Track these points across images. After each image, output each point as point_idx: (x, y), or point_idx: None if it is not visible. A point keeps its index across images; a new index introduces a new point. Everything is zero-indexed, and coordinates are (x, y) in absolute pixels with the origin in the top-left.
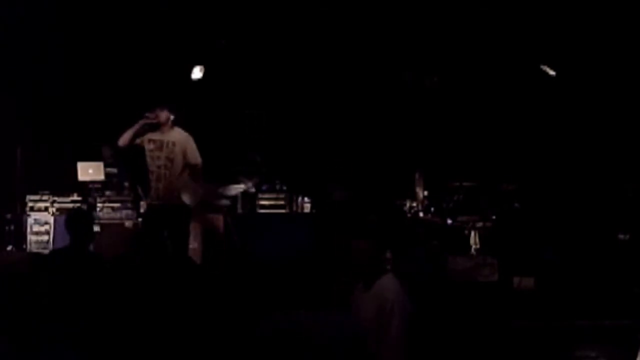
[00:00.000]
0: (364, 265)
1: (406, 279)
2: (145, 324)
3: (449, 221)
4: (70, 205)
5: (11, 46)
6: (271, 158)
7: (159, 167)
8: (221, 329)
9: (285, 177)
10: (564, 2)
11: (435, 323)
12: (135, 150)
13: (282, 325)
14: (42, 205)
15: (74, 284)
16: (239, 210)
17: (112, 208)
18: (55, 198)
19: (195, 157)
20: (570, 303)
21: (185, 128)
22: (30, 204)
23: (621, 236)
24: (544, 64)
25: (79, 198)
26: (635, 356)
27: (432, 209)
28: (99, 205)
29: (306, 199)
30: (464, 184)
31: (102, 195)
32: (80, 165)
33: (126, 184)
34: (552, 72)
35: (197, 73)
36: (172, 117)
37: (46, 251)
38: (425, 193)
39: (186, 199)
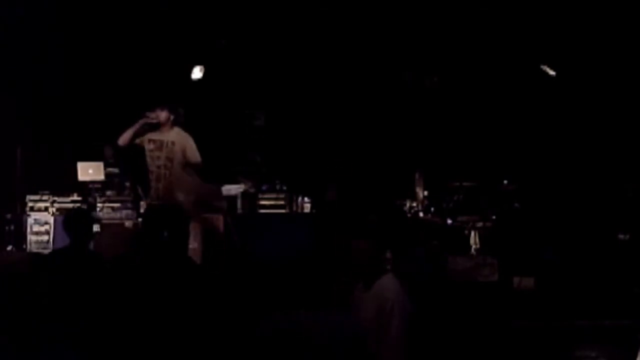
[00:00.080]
0: (364, 265)
1: (406, 279)
2: (145, 324)
3: (449, 221)
4: (70, 205)
5: (11, 46)
6: (271, 158)
7: (158, 167)
8: (221, 329)
9: (285, 177)
10: (564, 2)
11: (435, 323)
12: (136, 150)
13: (282, 325)
14: (42, 205)
15: (74, 284)
16: (239, 210)
17: (112, 208)
18: (55, 198)
19: (195, 155)
20: (570, 303)
21: (186, 128)
22: (30, 204)
23: (621, 236)
24: (544, 64)
25: (79, 198)
26: (635, 356)
27: (432, 209)
28: (99, 205)
29: (306, 199)
30: (464, 184)
31: (102, 195)
32: (80, 165)
33: (127, 183)
34: (552, 72)
35: (197, 73)
36: (172, 117)
37: (46, 251)
38: (425, 193)
39: (182, 197)
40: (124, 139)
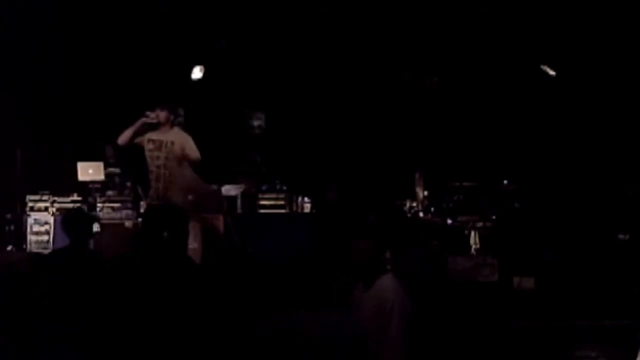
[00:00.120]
0: (364, 265)
1: (406, 279)
2: (145, 324)
3: (449, 221)
4: (70, 205)
5: (11, 46)
6: (271, 158)
7: (158, 167)
8: (221, 329)
9: (285, 177)
10: (564, 2)
11: (435, 323)
12: (135, 150)
13: (282, 325)
14: (42, 205)
15: (74, 284)
16: (239, 210)
17: (112, 208)
18: (55, 198)
19: (194, 152)
20: (570, 303)
21: (185, 128)
22: (30, 204)
23: (621, 236)
24: (544, 64)
25: (79, 198)
26: (635, 356)
27: (432, 209)
28: (99, 205)
29: (306, 199)
30: (464, 184)
31: (102, 195)
32: (80, 165)
33: (128, 183)
34: (552, 72)
35: (197, 73)
36: (172, 117)
37: (46, 251)
38: (425, 193)
39: (182, 197)
40: (123, 138)
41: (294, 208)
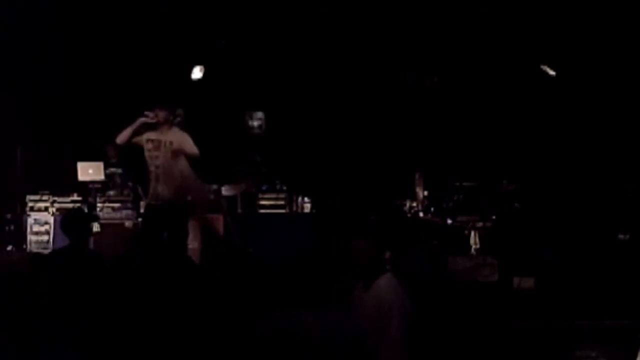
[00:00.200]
0: (364, 265)
1: (406, 279)
2: (145, 324)
3: (449, 221)
4: (70, 205)
5: (11, 46)
6: (271, 158)
7: (157, 167)
8: (221, 329)
9: (285, 177)
10: (564, 2)
11: (435, 323)
12: (135, 150)
13: (282, 325)
14: (42, 205)
15: (74, 284)
16: (239, 210)
17: (112, 208)
18: (55, 198)
19: (192, 147)
20: (570, 303)
21: (185, 128)
22: (30, 204)
23: (621, 236)
24: (544, 64)
25: (79, 198)
26: (635, 356)
27: (432, 209)
28: (99, 205)
29: (306, 199)
30: (464, 184)
31: (102, 195)
32: (80, 165)
33: (130, 183)
34: (552, 72)
35: (197, 73)
36: (171, 117)
37: (46, 251)
38: (425, 193)
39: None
40: (122, 137)
41: (294, 208)
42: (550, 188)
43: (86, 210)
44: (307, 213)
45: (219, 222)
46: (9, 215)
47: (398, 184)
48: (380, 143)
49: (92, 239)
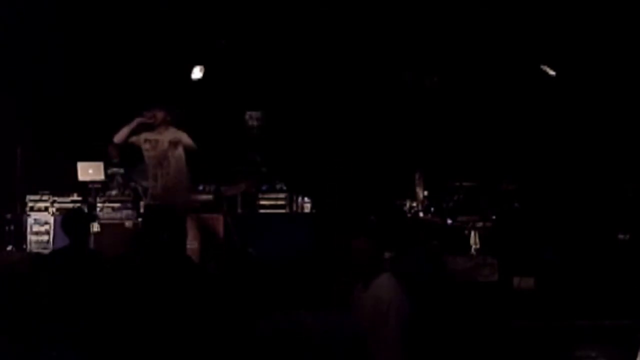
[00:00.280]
0: (364, 265)
1: (405, 278)
2: (146, 324)
3: (449, 221)
4: (70, 205)
5: (11, 46)
6: (271, 158)
7: (155, 167)
8: (221, 329)
9: (285, 177)
10: (564, 2)
11: (435, 323)
12: (133, 150)
13: (282, 325)
14: (42, 205)
15: (74, 284)
16: (239, 210)
17: (112, 208)
18: (55, 198)
19: (189, 142)
20: (570, 303)
21: (186, 128)
22: (30, 204)
23: (621, 236)
24: (544, 64)
25: (79, 198)
26: (635, 356)
27: (432, 209)
28: (99, 205)
29: (306, 199)
30: (464, 184)
31: (102, 195)
32: (80, 165)
33: (132, 183)
34: (552, 72)
35: (197, 73)
36: (169, 117)
37: (46, 251)
38: (425, 193)
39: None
40: (119, 136)
41: (294, 208)
42: (550, 188)
43: (86, 210)
44: (307, 213)
45: (219, 222)
46: (9, 215)
47: (398, 184)
48: (380, 143)
49: (92, 239)
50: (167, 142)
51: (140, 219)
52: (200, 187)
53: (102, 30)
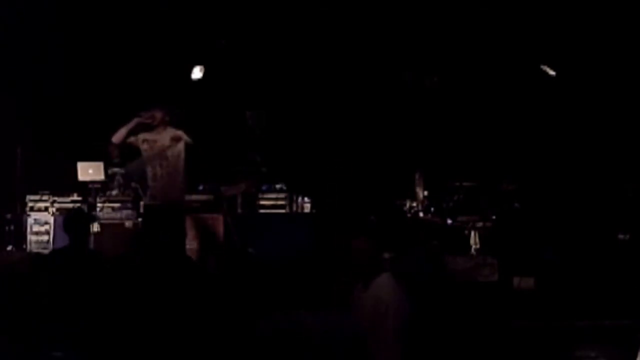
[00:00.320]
0: (364, 265)
1: (405, 278)
2: (146, 323)
3: (449, 221)
4: (70, 205)
5: (11, 46)
6: (271, 158)
7: (154, 167)
8: (221, 329)
9: (285, 177)
10: (564, 2)
11: (435, 323)
12: (131, 150)
13: (282, 325)
14: (42, 205)
15: (74, 284)
16: (239, 210)
17: (112, 208)
18: (55, 198)
19: (186, 138)
20: (570, 303)
21: (185, 128)
22: (30, 204)
23: (621, 236)
24: (544, 64)
25: (79, 198)
26: (635, 356)
27: (432, 209)
28: (99, 205)
29: (306, 199)
30: (464, 184)
31: (102, 195)
32: (80, 165)
33: (133, 183)
34: (552, 72)
35: (197, 73)
36: (167, 118)
37: (46, 251)
38: (425, 193)
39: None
40: (117, 137)
41: (294, 208)
42: (550, 188)
43: (86, 210)
44: (307, 213)
45: (219, 222)
46: (9, 215)
47: (398, 184)
48: (380, 143)
49: (92, 239)
50: (165, 142)
51: (140, 219)
52: (200, 187)
53: (102, 30)
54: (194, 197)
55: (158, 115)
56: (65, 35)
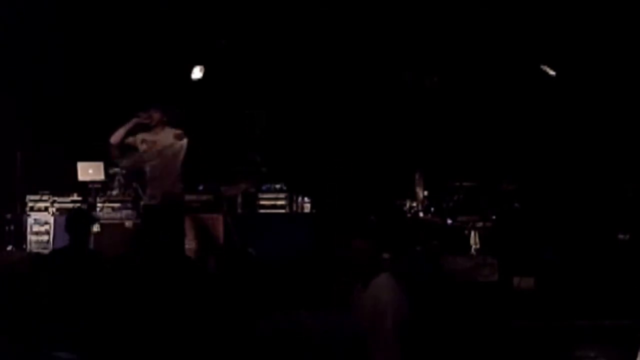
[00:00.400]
0: (364, 265)
1: (404, 278)
2: (145, 323)
3: (449, 221)
4: (70, 205)
5: (11, 46)
6: (271, 158)
7: (153, 167)
8: (221, 329)
9: (285, 177)
10: (564, 2)
11: (435, 323)
12: (129, 150)
13: (282, 325)
14: (42, 205)
15: (74, 284)
16: (239, 210)
17: (112, 208)
18: (55, 198)
19: (185, 137)
20: (570, 303)
21: (186, 128)
22: (30, 204)
23: (621, 236)
24: (544, 64)
25: (79, 198)
26: (635, 356)
27: (432, 209)
28: (99, 205)
29: (306, 199)
30: (464, 184)
31: (102, 195)
32: (80, 165)
33: (134, 183)
34: (552, 72)
35: (197, 73)
36: (165, 118)
37: (46, 251)
38: (425, 193)
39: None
40: (116, 137)
41: (294, 208)
42: (550, 188)
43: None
44: (307, 213)
45: (218, 222)
46: (9, 215)
47: (398, 184)
48: (380, 143)
49: (92, 239)
50: (164, 142)
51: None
52: (200, 187)
53: (102, 30)
54: (194, 197)
55: (156, 115)
56: (65, 35)
